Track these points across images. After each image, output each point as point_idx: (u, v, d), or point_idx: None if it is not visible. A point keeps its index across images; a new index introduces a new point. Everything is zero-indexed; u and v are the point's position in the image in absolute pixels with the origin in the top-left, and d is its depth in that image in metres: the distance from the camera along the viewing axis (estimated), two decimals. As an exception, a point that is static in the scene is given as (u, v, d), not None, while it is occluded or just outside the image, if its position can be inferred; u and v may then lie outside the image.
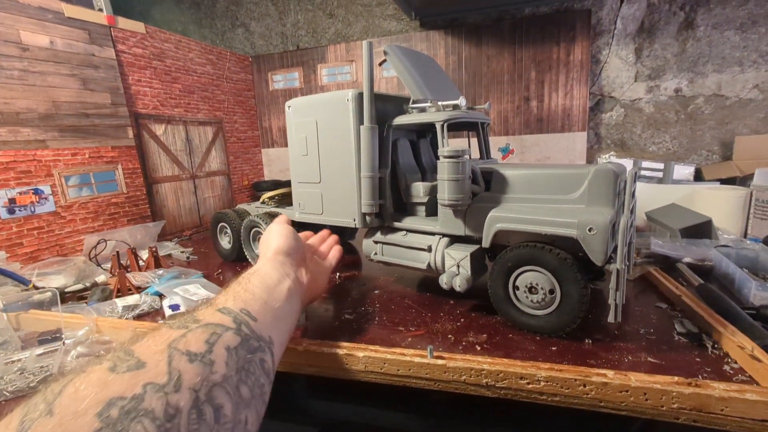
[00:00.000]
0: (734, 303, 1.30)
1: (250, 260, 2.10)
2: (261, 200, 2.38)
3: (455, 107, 1.50)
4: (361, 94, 1.55)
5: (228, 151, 3.55)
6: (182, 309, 1.52)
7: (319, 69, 3.80)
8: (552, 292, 1.21)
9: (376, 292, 1.69)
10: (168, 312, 1.50)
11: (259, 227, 2.01)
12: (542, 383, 0.97)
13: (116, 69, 2.57)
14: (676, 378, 0.93)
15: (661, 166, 2.92)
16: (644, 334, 1.22)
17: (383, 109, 1.63)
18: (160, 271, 1.93)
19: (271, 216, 2.02)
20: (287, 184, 2.14)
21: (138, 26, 2.73)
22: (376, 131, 1.53)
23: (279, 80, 3.95)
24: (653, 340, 1.19)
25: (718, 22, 3.07)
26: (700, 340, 1.17)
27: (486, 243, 1.30)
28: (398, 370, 1.08)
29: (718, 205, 2.21)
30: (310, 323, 1.40)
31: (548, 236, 1.22)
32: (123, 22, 2.63)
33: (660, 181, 2.91)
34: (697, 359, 1.08)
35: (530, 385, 0.98)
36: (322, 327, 1.37)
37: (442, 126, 1.44)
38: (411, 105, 1.59)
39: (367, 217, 1.62)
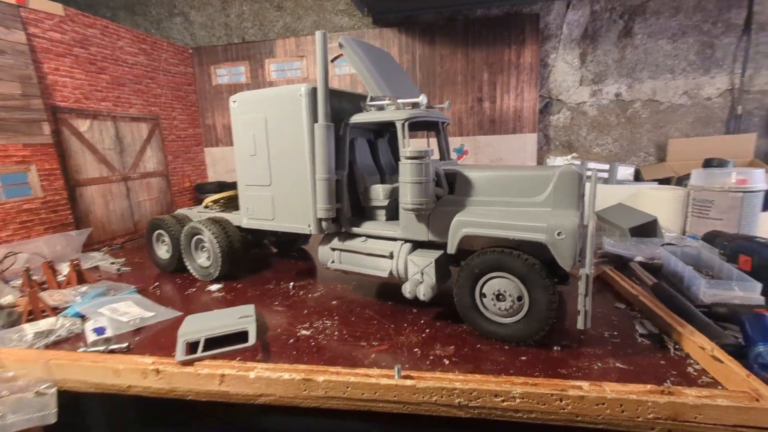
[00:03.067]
0: (687, 301, 1.33)
1: (191, 271, 1.90)
2: (204, 204, 2.17)
3: (415, 105, 1.43)
4: (314, 89, 1.42)
5: (166, 150, 3.25)
6: (109, 332, 1.31)
7: (267, 64, 3.59)
8: (520, 299, 1.16)
9: (334, 302, 1.57)
10: (91, 337, 1.29)
11: (201, 234, 1.81)
12: (518, 400, 0.91)
13: (28, 55, 2.23)
14: (649, 386, 0.90)
15: (606, 166, 3.05)
16: (609, 338, 1.21)
17: (339, 106, 1.52)
18: (84, 288, 1.68)
19: (216, 222, 1.84)
20: (233, 186, 1.96)
21: (55, 7, 2.40)
22: (332, 130, 1.42)
23: (223, 74, 3.68)
24: (618, 343, 1.18)
25: (653, 31, 3.27)
26: (662, 341, 1.18)
27: (452, 249, 1.24)
28: (363, 394, 0.98)
29: (660, 204, 2.32)
30: (260, 342, 1.25)
31: (514, 241, 1.17)
32: (36, 2, 2.29)
33: (605, 181, 3.04)
34: (662, 362, 1.08)
35: (505, 403, 0.91)
36: (276, 346, 1.23)
37: (403, 125, 1.35)
38: (369, 102, 1.49)
39: (324, 223, 1.49)
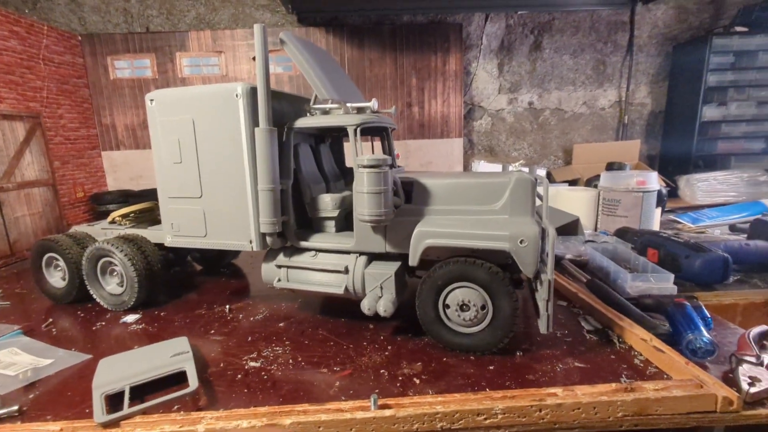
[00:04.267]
0: (620, 296, 1.46)
1: (98, 300, 1.60)
2: (110, 219, 1.85)
3: (362, 111, 1.36)
4: (254, 89, 1.27)
5: (51, 154, 2.73)
6: (-10, 393, 1.02)
7: (178, 58, 3.22)
8: (484, 307, 1.16)
9: (281, 324, 1.43)
10: (-38, 403, 0.99)
11: (110, 256, 1.53)
12: (500, 416, 0.89)
13: None
14: (614, 385, 0.95)
15: (526, 170, 3.27)
16: (561, 337, 1.27)
17: (279, 109, 1.38)
18: (-56, 336, 1.30)
19: (129, 241, 1.56)
20: (141, 194, 1.69)
21: None
22: (275, 135, 1.28)
23: (123, 67, 3.22)
24: (570, 342, 1.24)
25: (558, 47, 3.61)
26: (607, 336, 1.26)
27: (414, 261, 1.19)
28: (337, 432, 0.88)
29: (575, 203, 2.55)
30: (202, 383, 1.08)
31: (476, 249, 1.16)
32: None
33: (525, 183, 3.26)
34: (612, 356, 1.15)
35: (488, 421, 0.89)
36: (223, 386, 1.07)
37: (356, 131, 1.27)
38: (313, 105, 1.38)
39: (268, 238, 1.35)
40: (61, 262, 1.63)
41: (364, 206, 1.18)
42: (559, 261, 1.90)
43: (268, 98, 1.24)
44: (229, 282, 1.91)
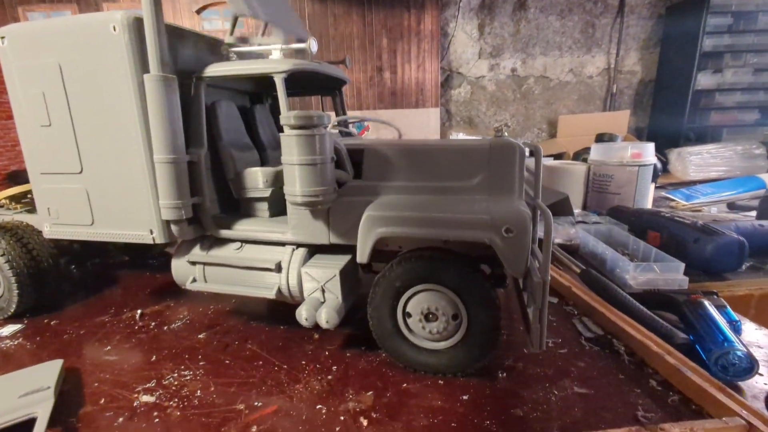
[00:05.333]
0: (621, 290, 1.19)
1: (-30, 307, 1.24)
2: (-4, 202, 1.47)
3: (300, 53, 1.02)
4: (139, 21, 0.91)
5: (-52, 123, 2.27)
6: None
7: (106, 9, 2.74)
8: (456, 317, 0.87)
9: (202, 335, 1.11)
10: None
11: (-21, 251, 1.17)
12: (475, 488, 0.61)
13: None
14: (633, 430, 0.68)
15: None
16: (554, 348, 1.00)
17: (189, 55, 1.03)
18: None
19: (7, 231, 1.20)
20: None
21: None
22: (175, 85, 0.93)
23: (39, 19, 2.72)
24: (566, 354, 0.97)
25: (544, 6, 3.27)
26: (611, 345, 1.00)
27: (362, 257, 0.88)
28: None
29: (563, 180, 2.29)
30: (70, 424, 0.76)
31: (445, 241, 0.87)
32: None
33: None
34: (621, 376, 0.89)
35: (457, 496, 0.61)
36: (89, 438, 0.76)
37: (284, 80, 0.94)
38: (230, 45, 1.04)
39: (174, 226, 1.01)
40: None
41: (295, 183, 0.86)
42: (546, 246, 1.63)
43: (159, 31, 0.88)
44: (155, 277, 1.57)
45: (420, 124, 3.13)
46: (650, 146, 2.08)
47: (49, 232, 1.13)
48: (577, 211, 2.18)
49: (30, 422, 0.75)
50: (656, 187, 2.61)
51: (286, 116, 0.83)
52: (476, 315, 0.85)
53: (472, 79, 3.37)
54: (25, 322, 1.22)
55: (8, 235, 1.20)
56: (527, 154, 0.97)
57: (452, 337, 0.89)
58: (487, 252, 0.91)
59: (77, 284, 1.51)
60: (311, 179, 0.85)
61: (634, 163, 2.06)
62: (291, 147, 0.84)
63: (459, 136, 3.26)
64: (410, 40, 2.99)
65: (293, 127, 0.82)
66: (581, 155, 2.61)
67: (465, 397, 0.83)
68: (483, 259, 0.95)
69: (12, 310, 1.20)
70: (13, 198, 1.46)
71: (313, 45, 0.99)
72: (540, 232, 1.04)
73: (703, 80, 3.08)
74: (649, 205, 2.18)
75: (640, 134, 3.59)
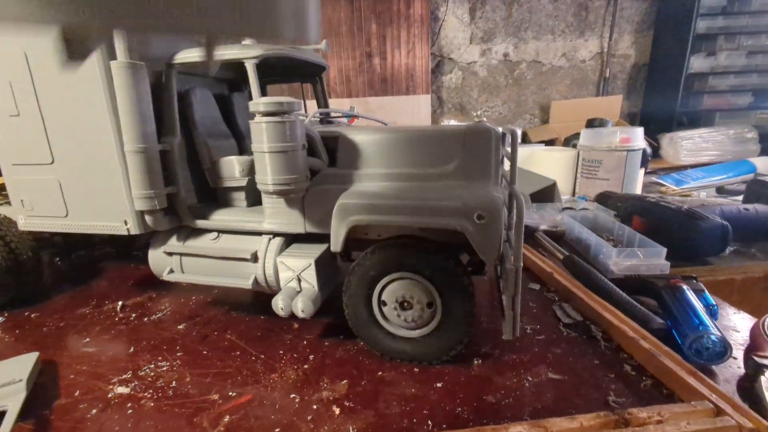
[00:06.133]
0: (602, 276, 1.19)
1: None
2: (-26, 194, 1.45)
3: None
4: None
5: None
6: None
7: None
8: (431, 305, 0.87)
9: (182, 326, 1.11)
10: None
11: (-46, 245, 1.16)
12: (440, 475, 0.61)
13: None
14: (601, 416, 0.68)
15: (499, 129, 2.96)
16: (532, 334, 1.00)
17: (162, 40, 1.00)
18: None
19: (-18, 223, 1.19)
20: None
21: None
22: (144, 72, 0.91)
23: None
24: (543, 341, 0.97)
25: (536, -12, 3.21)
26: (589, 331, 1.00)
27: (336, 246, 0.87)
28: None
29: (552, 165, 2.28)
30: (36, 426, 0.76)
31: (418, 228, 0.86)
32: None
33: (498, 144, 2.96)
34: (595, 361, 0.89)
35: (422, 482, 0.61)
36: (64, 427, 0.76)
37: (255, 66, 0.91)
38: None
39: (148, 217, 1.00)
40: None
41: (266, 171, 0.84)
42: (532, 233, 1.63)
43: (123, 18, 0.86)
44: (138, 269, 1.56)
45: (411, 112, 3.10)
46: (639, 131, 2.07)
47: (24, 224, 1.12)
48: (566, 197, 2.17)
49: (0, 415, 0.75)
50: (647, 173, 2.61)
51: (255, 102, 0.81)
52: (450, 303, 0.84)
53: (464, 64, 3.33)
54: (5, 315, 1.22)
55: (-15, 228, 1.19)
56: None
57: (427, 325, 0.88)
58: (464, 239, 0.90)
59: (61, 276, 1.50)
60: (282, 167, 0.84)
61: (623, 148, 2.05)
62: (261, 134, 0.82)
63: (450, 123, 3.23)
64: (400, 25, 2.94)
65: (263, 114, 0.81)
66: (572, 141, 2.59)
67: (439, 385, 0.84)
68: (461, 247, 0.94)
69: (-9, 304, 1.20)
70: (-9, 190, 1.44)
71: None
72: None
73: (697, 63, 3.04)
74: (638, 190, 2.18)
75: (632, 119, 3.56)
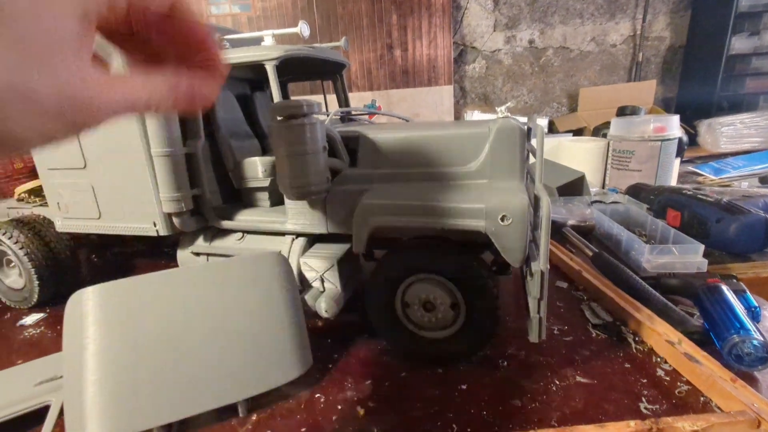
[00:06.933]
0: (634, 274, 1.15)
1: (2, 299, 1.32)
2: (17, 196, 1.53)
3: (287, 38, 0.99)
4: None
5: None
6: None
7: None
8: (454, 306, 0.86)
9: (210, 323, 1.14)
10: None
11: (1, 244, 1.23)
12: (464, 481, 0.60)
13: None
14: (632, 425, 0.66)
15: (524, 120, 2.88)
16: (560, 335, 0.98)
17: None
18: None
19: (25, 224, 1.26)
20: None
21: None
22: (168, 78, 0.92)
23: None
24: (571, 342, 0.95)
25: (563, -29, 3.08)
26: (619, 332, 0.97)
27: (359, 247, 0.87)
28: None
29: (581, 157, 2.20)
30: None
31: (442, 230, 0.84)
32: None
33: (523, 135, 2.88)
34: (626, 365, 0.86)
35: (447, 488, 0.61)
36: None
37: (275, 68, 0.91)
38: (224, 35, 1.02)
39: (176, 219, 1.03)
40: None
41: (285, 174, 0.85)
42: (559, 228, 1.58)
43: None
44: (168, 265, 1.60)
45: (433, 103, 3.05)
46: (674, 119, 1.96)
47: (61, 226, 1.17)
48: (594, 189, 2.10)
49: (45, 410, 0.79)
50: (683, 161, 2.48)
51: (275, 105, 0.81)
52: (474, 304, 0.83)
53: (487, 53, 3.24)
54: (48, 311, 1.28)
55: (26, 229, 1.25)
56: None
57: (451, 326, 0.87)
58: (488, 239, 0.89)
59: (97, 272, 1.57)
60: (301, 170, 0.84)
61: (657, 138, 1.95)
62: (280, 137, 0.82)
63: (474, 114, 3.16)
64: (421, 15, 2.88)
65: (281, 117, 0.81)
66: (602, 130, 2.49)
67: (463, 387, 0.83)
68: (485, 246, 0.92)
69: (34, 300, 1.26)
70: (32, 192, 1.51)
71: (304, 30, 0.96)
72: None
73: (738, 44, 2.85)
74: (673, 181, 2.07)
75: (668, 105, 3.39)
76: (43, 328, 1.19)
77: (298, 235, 1.02)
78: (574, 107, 3.32)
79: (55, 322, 1.22)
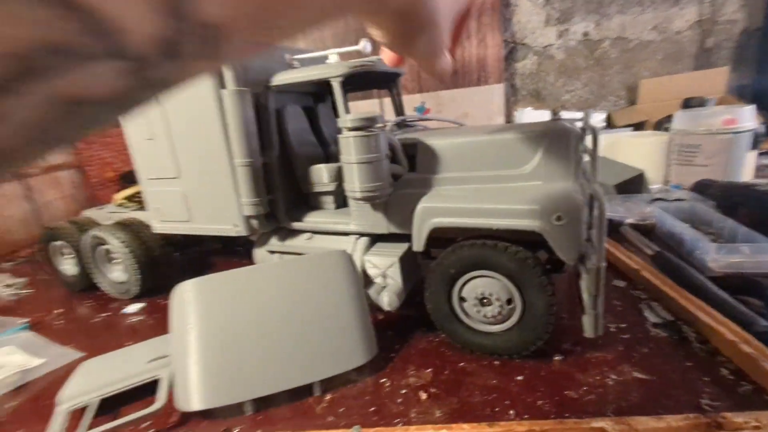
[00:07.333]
0: (698, 273, 1.12)
1: (104, 289, 1.54)
2: (116, 201, 1.77)
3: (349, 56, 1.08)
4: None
5: (76, 135, 2.72)
6: (-30, 402, 0.96)
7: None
8: (510, 302, 0.91)
9: (282, 314, 1.27)
10: (-59, 413, 0.94)
11: (107, 243, 1.44)
12: (523, 460, 0.66)
13: None
14: (691, 417, 0.68)
15: (580, 115, 2.80)
16: (617, 332, 0.99)
17: (258, 64, 1.15)
18: (-51, 334, 1.29)
19: (126, 226, 1.46)
20: None
21: None
22: (248, 97, 1.06)
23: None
24: (629, 339, 0.96)
25: (620, -42, 2.96)
26: (680, 331, 0.96)
27: (418, 246, 0.95)
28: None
29: (641, 153, 2.12)
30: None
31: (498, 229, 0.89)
32: None
33: (578, 131, 2.81)
34: (687, 363, 0.86)
35: (506, 465, 0.67)
36: (199, 397, 0.93)
37: (341, 83, 1.01)
38: (294, 55, 1.13)
39: (254, 221, 1.16)
40: (70, 250, 1.58)
41: (354, 180, 0.94)
42: (617, 227, 1.55)
43: (232, 52, 1.00)
44: (241, 262, 1.77)
45: (483, 102, 3.06)
46: (748, 110, 1.84)
47: (158, 227, 1.35)
48: (657, 186, 2.02)
49: (155, 383, 0.94)
50: (760, 154, 2.30)
51: (343, 119, 0.91)
52: (529, 300, 0.87)
53: (539, 48, 3.19)
54: (146, 301, 1.48)
55: (128, 230, 1.46)
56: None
57: (507, 320, 0.92)
58: (541, 238, 0.92)
59: (181, 268, 1.77)
60: (368, 176, 0.93)
61: (727, 131, 1.84)
62: (348, 147, 0.92)
63: (525, 111, 3.12)
64: (469, 15, 2.89)
65: (350, 129, 0.90)
66: (664, 124, 2.37)
67: (520, 378, 0.88)
68: (540, 244, 0.96)
69: (136, 291, 1.47)
70: (128, 198, 1.74)
71: (366, 47, 1.05)
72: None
73: (827, 22, 2.58)
74: (746, 176, 1.94)
75: (742, 93, 3.14)
76: (144, 316, 1.38)
77: (362, 234, 1.11)
78: (634, 100, 3.17)
79: (152, 310, 1.41)
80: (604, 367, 0.88)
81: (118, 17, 0.15)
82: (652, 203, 1.64)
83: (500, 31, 2.94)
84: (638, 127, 2.85)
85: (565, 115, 2.87)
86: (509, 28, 3.10)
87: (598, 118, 2.99)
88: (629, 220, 1.56)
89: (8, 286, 1.74)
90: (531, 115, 2.96)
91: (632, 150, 2.12)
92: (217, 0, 0.18)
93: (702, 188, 1.73)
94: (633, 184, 1.83)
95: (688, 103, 2.42)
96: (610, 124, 3.09)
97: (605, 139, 2.38)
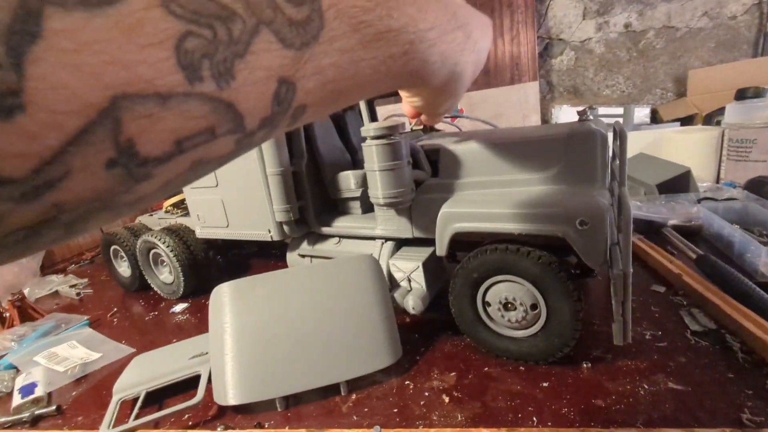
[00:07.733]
0: (746, 279, 1.05)
1: (156, 290, 1.66)
2: (164, 208, 1.90)
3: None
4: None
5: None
6: (40, 390, 1.08)
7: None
8: (535, 307, 0.90)
9: (313, 316, 1.32)
10: (17, 400, 1.06)
11: (157, 248, 1.55)
12: (543, 467, 0.66)
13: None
14: (727, 431, 0.64)
15: (620, 110, 2.68)
16: (652, 340, 0.95)
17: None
18: (23, 329, 1.45)
19: (173, 232, 1.57)
20: None
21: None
22: (278, 110, 1.11)
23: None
24: (665, 348, 0.92)
25: (665, -56, 2.80)
26: (723, 340, 0.91)
27: (441, 251, 0.96)
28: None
29: (688, 149, 1.99)
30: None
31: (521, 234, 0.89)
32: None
33: (619, 127, 2.68)
34: (729, 374, 0.81)
35: (526, 472, 0.66)
36: (235, 392, 0.99)
37: (365, 93, 1.04)
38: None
39: (285, 227, 1.22)
40: (123, 254, 1.73)
41: (377, 186, 0.97)
42: (659, 228, 1.48)
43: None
44: (277, 265, 1.86)
45: (517, 101, 2.99)
46: (811, 99, 1.69)
47: (200, 233, 1.45)
48: (706, 184, 1.90)
49: (196, 378, 1.02)
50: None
51: (366, 128, 0.94)
52: (555, 306, 0.86)
53: (576, 43, 3.08)
54: (190, 301, 1.59)
55: (174, 236, 1.57)
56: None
57: (532, 326, 0.91)
58: (568, 242, 0.91)
59: (221, 271, 1.88)
60: (390, 182, 0.95)
61: (787, 123, 1.70)
62: (371, 155, 0.94)
63: (563, 108, 3.03)
64: (502, 13, 2.85)
65: (372, 138, 0.93)
66: (716, 117, 2.22)
67: (545, 384, 0.86)
68: (567, 249, 0.94)
69: (180, 293, 1.58)
70: (175, 205, 1.87)
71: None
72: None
73: None
74: (810, 171, 1.78)
75: (809, 79, 2.86)
76: (188, 315, 1.48)
77: (387, 239, 1.14)
78: (683, 92, 2.98)
79: (196, 310, 1.51)
80: (636, 376, 0.85)
81: (245, 108, 0.22)
82: (699, 203, 1.54)
83: (534, 27, 2.87)
84: (687, 121, 2.68)
85: (602, 111, 2.75)
86: (544, 23, 3.02)
87: (641, 113, 2.84)
88: (673, 221, 1.48)
89: (72, 286, 1.92)
90: (567, 112, 2.86)
91: (679, 146, 2.00)
92: (308, 90, 0.25)
93: (757, 186, 1.60)
94: (680, 183, 1.72)
95: (742, 94, 2.24)
96: (655, 118, 2.92)
97: (648, 135, 2.26)
